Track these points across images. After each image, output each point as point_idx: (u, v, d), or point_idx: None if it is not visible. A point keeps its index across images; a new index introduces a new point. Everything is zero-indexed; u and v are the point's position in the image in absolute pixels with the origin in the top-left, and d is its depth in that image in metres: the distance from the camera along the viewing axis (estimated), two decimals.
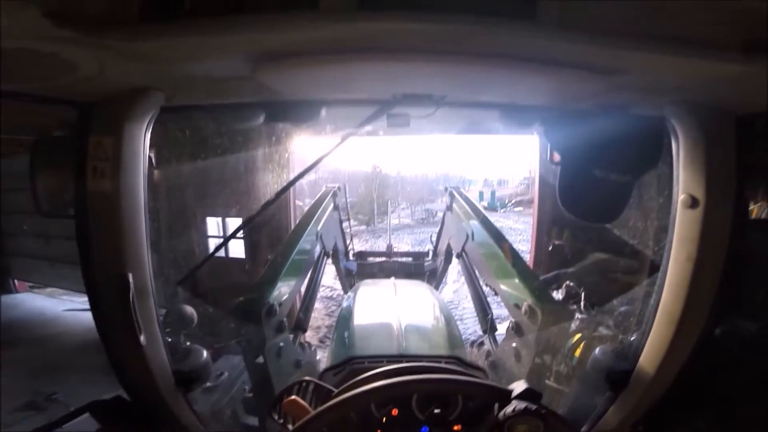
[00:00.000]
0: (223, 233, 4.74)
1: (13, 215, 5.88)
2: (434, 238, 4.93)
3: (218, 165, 4.30)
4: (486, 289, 3.04)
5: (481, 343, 2.76)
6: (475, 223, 3.05)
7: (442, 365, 1.45)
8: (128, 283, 1.09)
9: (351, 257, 5.22)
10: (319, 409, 1.02)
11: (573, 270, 2.65)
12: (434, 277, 4.69)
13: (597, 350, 1.87)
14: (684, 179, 1.13)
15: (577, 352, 2.13)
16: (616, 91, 1.00)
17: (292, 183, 2.29)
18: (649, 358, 1.32)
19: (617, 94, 1.04)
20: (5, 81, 0.91)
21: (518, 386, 1.05)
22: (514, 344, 2.16)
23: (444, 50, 0.82)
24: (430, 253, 5.13)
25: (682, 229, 1.16)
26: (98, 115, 1.07)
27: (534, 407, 0.98)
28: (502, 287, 2.36)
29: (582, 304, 2.42)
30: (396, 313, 2.46)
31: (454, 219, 3.76)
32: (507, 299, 2.30)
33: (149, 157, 1.15)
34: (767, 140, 1.24)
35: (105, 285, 1.12)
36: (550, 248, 4.69)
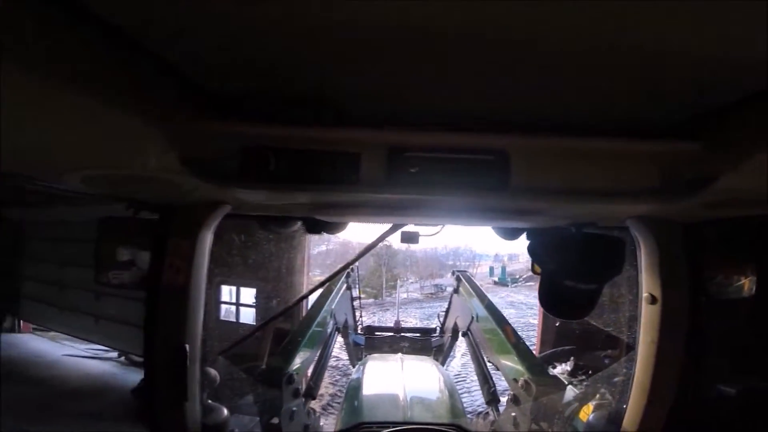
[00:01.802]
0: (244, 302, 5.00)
1: (32, 261, 6.16)
2: (441, 315, 5.07)
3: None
4: (489, 364, 3.16)
5: (487, 414, 2.85)
6: (479, 305, 3.27)
7: (442, 430, 1.61)
8: (186, 353, 1.29)
9: (360, 331, 5.32)
10: None
11: (570, 348, 2.79)
12: (441, 353, 4.76)
13: (591, 416, 2.01)
14: (645, 280, 1.34)
15: (582, 416, 2.24)
16: (584, 216, 1.21)
17: (330, 278, 2.58)
18: (630, 422, 1.44)
19: (585, 219, 1.24)
20: (103, 188, 1.11)
21: None
22: (513, 414, 2.27)
23: (443, 209, 1.09)
24: (438, 330, 5.22)
25: (646, 319, 1.36)
26: (178, 219, 1.27)
27: None
28: (503, 363, 2.52)
29: (579, 376, 2.55)
30: (402, 385, 2.61)
31: (461, 300, 3.97)
32: (506, 374, 2.45)
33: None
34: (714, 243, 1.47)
35: (165, 352, 1.32)
36: (557, 324, 4.76)
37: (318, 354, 3.17)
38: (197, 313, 1.34)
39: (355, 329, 5.06)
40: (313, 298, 3.42)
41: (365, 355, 4.25)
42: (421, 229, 1.52)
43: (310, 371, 3.20)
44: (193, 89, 0.83)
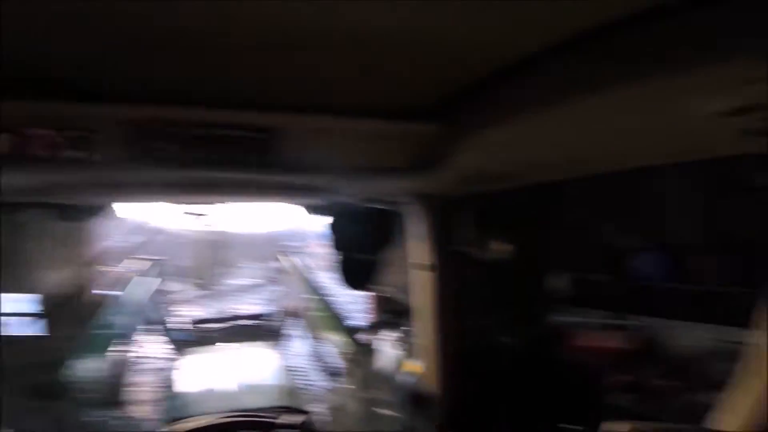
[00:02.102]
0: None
1: None
2: (277, 299, 5.02)
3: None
4: (323, 341, 3.29)
5: (332, 389, 2.97)
6: (309, 284, 3.36)
7: (256, 414, 1.62)
8: None
9: (185, 326, 4.87)
10: None
11: (388, 316, 3.15)
12: (279, 335, 4.73)
13: (403, 377, 2.26)
14: (414, 249, 1.55)
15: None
16: (358, 193, 1.34)
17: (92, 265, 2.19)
18: (431, 378, 1.68)
19: (361, 195, 1.37)
20: None
21: (284, 418, 1.35)
22: (347, 385, 2.43)
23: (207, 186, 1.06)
24: (273, 314, 5.16)
25: (420, 284, 1.58)
26: None
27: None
28: (332, 338, 2.66)
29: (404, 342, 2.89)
30: (230, 376, 2.52)
31: (291, 280, 4.00)
32: (337, 348, 2.60)
33: None
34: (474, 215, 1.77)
35: None
36: (377, 296, 5.18)
37: (118, 357, 2.79)
38: None
39: (174, 325, 4.62)
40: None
41: (190, 351, 3.93)
42: (208, 207, 1.47)
43: (115, 377, 2.79)
44: None
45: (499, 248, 1.95)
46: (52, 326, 4.23)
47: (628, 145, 0.97)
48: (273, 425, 1.32)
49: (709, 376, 3.14)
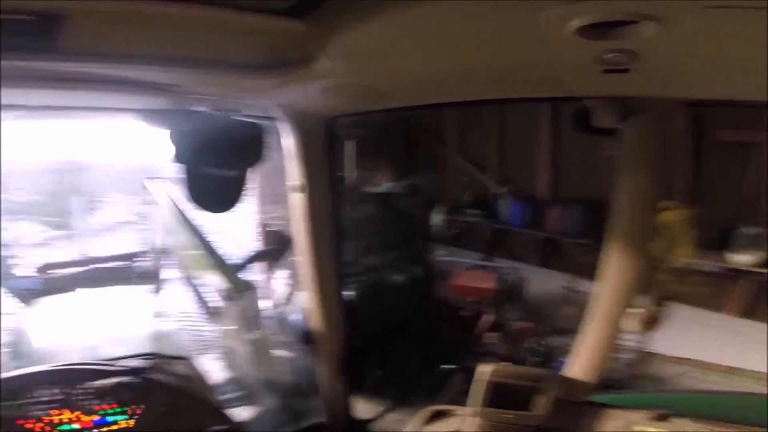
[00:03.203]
0: None
1: None
2: (146, 236, 4.50)
3: None
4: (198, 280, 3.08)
5: (212, 333, 2.83)
6: (177, 217, 3.01)
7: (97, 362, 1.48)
8: None
9: (31, 272, 4.17)
10: None
11: (263, 250, 3.04)
12: (150, 277, 4.31)
13: (291, 316, 2.23)
14: (291, 169, 1.46)
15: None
16: (219, 100, 1.16)
17: None
18: (314, 315, 1.63)
19: (225, 101, 1.20)
20: None
21: (126, 363, 1.28)
22: (230, 326, 2.34)
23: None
24: (144, 252, 4.65)
25: (297, 209, 1.50)
26: None
27: (127, 381, 1.23)
28: (207, 276, 2.49)
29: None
30: (91, 324, 2.23)
31: (160, 213, 3.56)
32: (214, 286, 2.44)
33: None
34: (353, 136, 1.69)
35: None
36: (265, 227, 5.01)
37: None
38: None
39: (20, 272, 3.92)
40: None
41: (39, 301, 3.40)
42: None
43: None
44: None
45: (380, 177, 1.93)
46: None
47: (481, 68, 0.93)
48: (110, 373, 1.19)
49: (559, 322, 3.73)
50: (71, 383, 1.24)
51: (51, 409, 1.23)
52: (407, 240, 2.99)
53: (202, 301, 2.95)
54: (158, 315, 2.82)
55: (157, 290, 4.22)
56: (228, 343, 2.55)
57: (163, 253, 3.84)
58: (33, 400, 1.22)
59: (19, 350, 2.11)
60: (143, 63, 0.85)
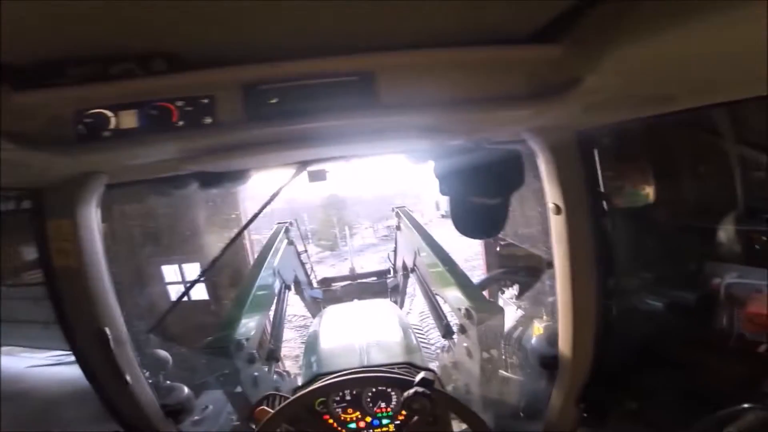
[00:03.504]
0: (182, 279, 4.81)
1: None
2: (392, 256, 5.21)
3: (168, 223, 4.47)
4: (438, 298, 3.32)
5: (448, 347, 3.04)
6: (419, 240, 3.36)
7: (390, 370, 1.71)
8: (107, 337, 1.28)
9: (315, 285, 5.39)
10: (276, 409, 1.29)
11: (504, 270, 2.99)
12: (397, 292, 4.96)
13: (533, 339, 2.15)
14: (548, 191, 1.41)
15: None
16: (475, 131, 1.22)
17: (239, 233, 2.51)
18: (564, 341, 1.56)
19: (480, 133, 1.25)
20: None
21: (419, 376, 1.35)
22: (464, 344, 2.43)
23: (322, 137, 1.07)
24: (391, 271, 5.39)
25: (555, 230, 1.43)
26: (50, 200, 1.21)
27: (421, 390, 1.29)
28: (446, 294, 2.65)
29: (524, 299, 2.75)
30: (358, 332, 2.70)
31: (404, 237, 4.07)
32: (451, 305, 2.57)
33: (106, 227, 1.33)
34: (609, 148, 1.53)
35: (86, 340, 1.30)
36: (498, 249, 5.03)
37: (270, 316, 3.18)
38: (104, 294, 1.29)
39: (310, 284, 5.11)
40: None
41: (323, 309, 4.35)
42: (327, 165, 1.49)
43: (268, 335, 3.23)
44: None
45: (642, 191, 1.66)
46: (217, 290, 5.12)
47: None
48: (411, 383, 1.36)
49: None
50: (369, 388, 1.51)
51: (347, 408, 1.53)
52: (672, 259, 2.48)
53: (439, 317, 3.18)
54: (401, 326, 3.15)
55: (400, 304, 4.80)
56: (458, 358, 2.62)
57: (407, 270, 4.38)
58: (337, 399, 1.53)
59: (313, 349, 2.66)
60: (432, 108, 0.97)
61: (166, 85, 0.88)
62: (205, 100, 0.90)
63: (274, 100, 0.90)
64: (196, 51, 0.86)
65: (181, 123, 0.90)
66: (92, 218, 1.26)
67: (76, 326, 1.29)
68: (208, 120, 0.90)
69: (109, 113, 0.87)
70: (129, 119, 0.87)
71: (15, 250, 1.42)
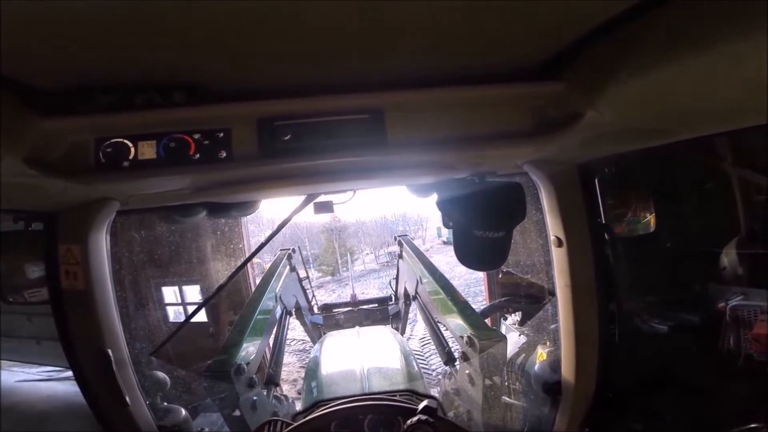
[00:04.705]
0: (181, 301, 4.81)
1: None
2: (393, 284, 5.20)
3: (171, 247, 4.52)
4: (440, 325, 3.31)
5: (450, 374, 3.00)
6: (421, 268, 3.38)
7: (392, 397, 1.69)
8: (109, 358, 1.28)
9: (316, 311, 5.35)
10: None
11: (506, 298, 2.99)
12: (398, 319, 4.91)
13: (536, 366, 2.13)
14: (549, 223, 1.43)
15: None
16: (479, 165, 1.25)
17: (246, 262, 2.54)
18: (567, 367, 1.54)
19: (483, 167, 1.28)
20: None
21: (422, 404, 1.35)
22: (467, 371, 2.41)
23: (331, 172, 1.09)
24: (392, 298, 5.36)
25: (557, 262, 1.44)
26: (63, 224, 1.24)
27: (424, 418, 1.29)
28: (448, 321, 2.64)
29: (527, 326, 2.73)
30: (359, 358, 2.68)
31: (406, 265, 4.08)
32: (453, 332, 2.56)
33: (112, 251, 1.33)
34: (609, 180, 1.56)
35: (88, 360, 1.30)
36: (500, 276, 5.02)
37: (270, 341, 3.16)
38: (109, 316, 1.31)
39: (311, 309, 5.08)
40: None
41: (324, 334, 4.31)
42: (334, 197, 1.49)
43: (268, 359, 3.20)
44: (22, 90, 0.79)
45: (644, 219, 1.68)
46: (216, 314, 5.08)
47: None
48: (414, 411, 1.34)
49: None
50: (371, 415, 1.49)
51: None
52: (676, 283, 2.49)
53: (441, 344, 3.15)
54: (402, 353, 3.12)
55: (401, 330, 4.74)
56: (460, 386, 2.58)
57: (407, 298, 4.36)
58: (338, 426, 1.50)
59: (313, 375, 2.63)
60: (438, 145, 0.99)
61: (186, 116, 0.90)
62: (221, 134, 0.92)
63: (287, 137, 0.92)
64: (214, 84, 0.88)
65: (197, 156, 0.92)
66: (102, 242, 1.28)
67: (79, 346, 1.29)
68: (223, 154, 0.92)
69: (129, 143, 0.89)
70: (148, 150, 0.90)
71: (17, 267, 1.43)
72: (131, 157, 0.89)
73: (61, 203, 1.19)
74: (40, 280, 1.34)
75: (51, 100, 0.83)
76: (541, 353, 2.44)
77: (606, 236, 1.55)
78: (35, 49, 0.68)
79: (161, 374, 1.70)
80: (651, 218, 1.84)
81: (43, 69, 0.75)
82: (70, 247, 1.23)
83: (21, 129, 0.82)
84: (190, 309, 4.64)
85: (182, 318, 4.42)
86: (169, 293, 4.71)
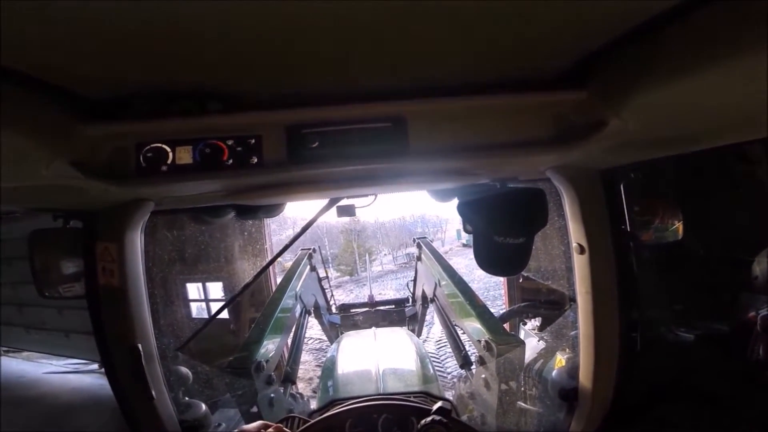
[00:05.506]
0: (205, 298, 4.93)
1: None
2: (411, 285, 5.20)
3: (204, 246, 4.65)
4: (457, 328, 3.29)
5: (465, 377, 2.99)
6: (440, 270, 3.37)
7: (406, 398, 1.70)
8: (140, 352, 1.33)
9: (334, 311, 5.40)
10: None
11: (525, 304, 2.95)
12: (415, 321, 4.91)
13: (554, 372, 2.10)
14: (572, 230, 1.40)
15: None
16: (500, 172, 1.26)
17: (271, 262, 2.60)
18: (585, 374, 1.53)
19: (505, 174, 1.29)
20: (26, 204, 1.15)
21: (437, 405, 1.35)
22: (483, 375, 2.39)
23: (356, 178, 1.12)
24: (410, 299, 5.36)
25: (578, 269, 1.42)
26: (101, 223, 1.30)
27: (438, 419, 1.29)
28: (466, 325, 2.63)
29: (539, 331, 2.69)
30: (375, 359, 2.69)
31: (424, 267, 4.07)
32: (471, 336, 2.55)
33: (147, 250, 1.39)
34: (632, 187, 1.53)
35: (119, 354, 1.35)
36: (520, 280, 4.98)
37: (289, 339, 3.20)
38: (141, 312, 1.36)
39: (329, 309, 5.13)
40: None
41: (341, 334, 4.35)
42: (356, 201, 1.53)
43: (286, 357, 3.25)
44: (70, 98, 0.84)
45: (671, 226, 1.64)
46: (237, 311, 5.19)
47: None
48: (428, 412, 1.35)
49: None
50: (385, 415, 1.51)
51: None
52: (704, 291, 2.41)
53: (458, 348, 3.13)
54: (418, 355, 3.11)
55: (418, 332, 4.74)
56: (476, 389, 2.57)
57: (426, 300, 4.35)
58: (352, 425, 1.53)
59: (330, 374, 2.65)
60: (460, 153, 1.00)
61: (219, 124, 0.95)
62: (253, 140, 0.97)
63: (314, 144, 0.96)
64: (246, 93, 0.93)
65: (230, 161, 0.96)
66: (137, 241, 1.34)
67: (111, 340, 1.35)
68: (255, 159, 0.97)
69: (167, 148, 0.94)
70: (185, 155, 0.95)
71: (55, 263, 1.50)
72: (169, 161, 0.94)
73: (100, 204, 1.25)
74: (75, 275, 1.40)
75: (95, 107, 0.89)
76: (560, 359, 2.40)
77: (630, 244, 1.52)
78: (83, 62, 0.72)
79: (184, 369, 1.75)
80: (679, 225, 1.79)
81: (89, 79, 0.80)
82: (108, 245, 1.29)
83: (69, 135, 0.88)
84: (214, 306, 4.75)
85: (206, 315, 4.53)
86: (194, 290, 4.84)
